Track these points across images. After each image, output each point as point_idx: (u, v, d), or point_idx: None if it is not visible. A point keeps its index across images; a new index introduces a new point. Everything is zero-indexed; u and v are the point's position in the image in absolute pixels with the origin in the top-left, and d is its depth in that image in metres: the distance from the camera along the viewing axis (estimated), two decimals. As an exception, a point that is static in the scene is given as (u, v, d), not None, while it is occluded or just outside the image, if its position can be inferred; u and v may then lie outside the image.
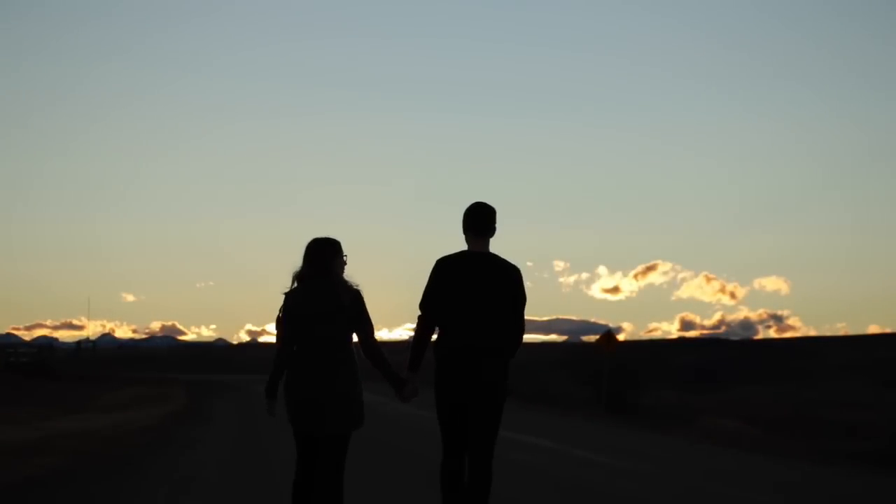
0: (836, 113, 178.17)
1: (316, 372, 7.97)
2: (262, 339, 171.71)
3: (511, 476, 14.62)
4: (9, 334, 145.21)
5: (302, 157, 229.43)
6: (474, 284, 8.24)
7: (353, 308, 8.04)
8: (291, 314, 8.03)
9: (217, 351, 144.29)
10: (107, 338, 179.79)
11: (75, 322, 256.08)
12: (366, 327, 8.10)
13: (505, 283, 8.25)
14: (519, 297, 8.31)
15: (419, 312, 8.38)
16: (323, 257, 8.05)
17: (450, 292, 8.25)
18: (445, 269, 8.33)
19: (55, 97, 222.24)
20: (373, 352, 8.12)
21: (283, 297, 8.14)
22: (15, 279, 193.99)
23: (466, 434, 8.17)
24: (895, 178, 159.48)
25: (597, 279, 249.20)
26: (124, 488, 13.16)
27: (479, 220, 8.42)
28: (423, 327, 8.37)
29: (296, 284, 8.13)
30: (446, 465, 8.23)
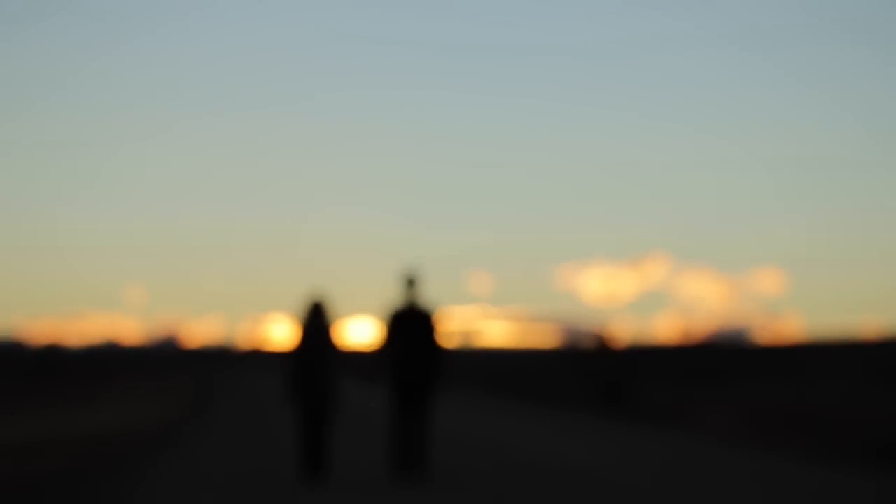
0: (840, 108, 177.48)
1: (316, 375, 13.52)
2: (266, 340, 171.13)
3: (512, 475, 14.92)
4: (11, 332, 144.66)
5: (304, 158, 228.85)
6: (409, 323, 13.53)
7: (333, 344, 13.64)
8: (303, 346, 13.54)
9: (221, 350, 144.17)
10: (110, 336, 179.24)
11: (77, 320, 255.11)
12: (337, 351, 13.68)
13: (426, 321, 13.58)
14: (435, 327, 13.54)
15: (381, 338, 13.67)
16: (319, 323, 13.57)
17: (397, 328, 13.52)
18: (395, 314, 13.58)
19: (51, 95, 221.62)
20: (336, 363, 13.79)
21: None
22: (14, 276, 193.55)
23: (407, 412, 13.46)
24: (895, 175, 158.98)
25: (594, 276, 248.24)
26: (129, 487, 13.38)
27: (409, 282, 13.60)
28: (384, 347, 13.62)
29: (304, 330, 13.59)
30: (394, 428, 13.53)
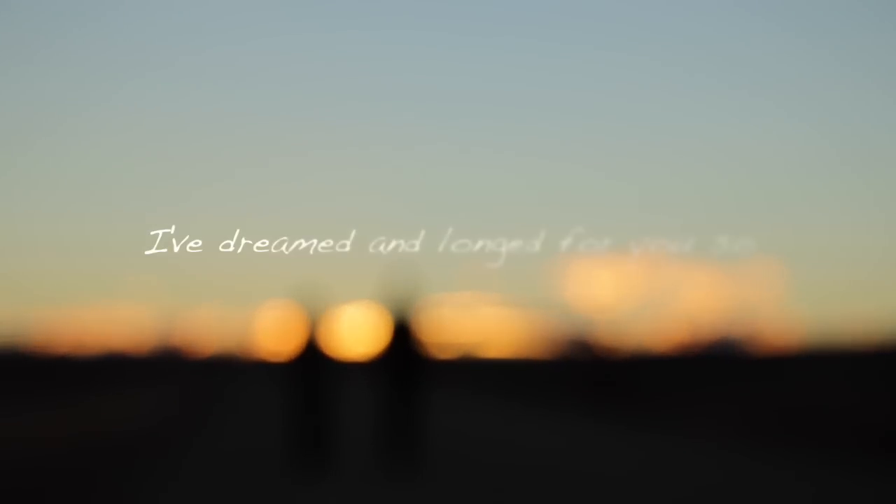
0: (841, 107, 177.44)
1: (315, 375, 14.96)
2: (265, 340, 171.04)
3: (509, 475, 14.96)
4: (10, 332, 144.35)
5: (308, 158, 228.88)
6: (397, 324, 14.91)
7: (325, 352, 15.23)
8: (304, 350, 14.92)
9: (222, 351, 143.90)
10: (110, 338, 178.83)
11: (79, 321, 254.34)
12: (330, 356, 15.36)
13: (412, 323, 14.96)
14: (416, 329, 15.07)
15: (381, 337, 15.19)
16: (316, 325, 15.04)
17: (386, 331, 15.01)
18: (384, 318, 14.99)
19: (51, 92, 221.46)
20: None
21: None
22: (13, 276, 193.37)
23: (396, 409, 14.95)
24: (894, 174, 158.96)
25: (590, 275, 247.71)
26: (126, 488, 13.44)
27: (395, 285, 15.03)
28: (377, 352, 15.16)
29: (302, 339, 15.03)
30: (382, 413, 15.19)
